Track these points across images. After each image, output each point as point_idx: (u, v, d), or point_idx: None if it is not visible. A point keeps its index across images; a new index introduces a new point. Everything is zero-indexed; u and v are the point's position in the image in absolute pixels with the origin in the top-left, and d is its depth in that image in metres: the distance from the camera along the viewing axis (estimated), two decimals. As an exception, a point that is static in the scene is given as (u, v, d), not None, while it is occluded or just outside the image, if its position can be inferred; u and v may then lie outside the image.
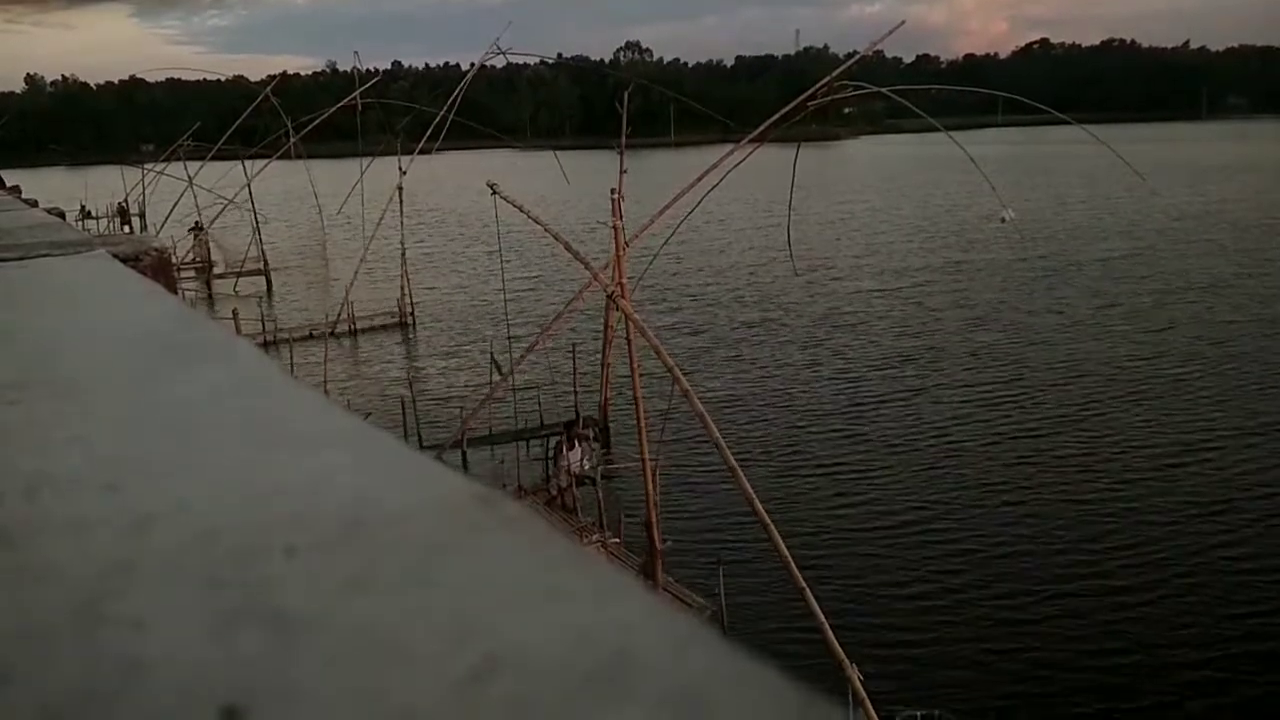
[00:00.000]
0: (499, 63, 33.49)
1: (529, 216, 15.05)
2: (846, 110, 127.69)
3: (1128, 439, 18.42)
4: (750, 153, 17.27)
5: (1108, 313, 28.66)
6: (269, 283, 37.08)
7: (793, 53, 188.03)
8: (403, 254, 30.14)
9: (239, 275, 37.00)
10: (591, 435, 17.58)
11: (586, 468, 16.35)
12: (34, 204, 6.52)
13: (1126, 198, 52.28)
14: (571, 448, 16.17)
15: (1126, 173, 22.62)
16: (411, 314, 30.06)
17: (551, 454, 16.79)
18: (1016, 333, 26.64)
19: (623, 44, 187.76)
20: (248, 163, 36.62)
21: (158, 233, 34.33)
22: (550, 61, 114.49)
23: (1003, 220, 27.34)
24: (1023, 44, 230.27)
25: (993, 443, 18.40)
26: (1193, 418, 19.46)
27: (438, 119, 29.76)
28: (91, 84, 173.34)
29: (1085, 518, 15.12)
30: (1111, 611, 12.54)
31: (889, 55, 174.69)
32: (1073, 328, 27.01)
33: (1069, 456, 17.62)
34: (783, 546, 9.98)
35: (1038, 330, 26.84)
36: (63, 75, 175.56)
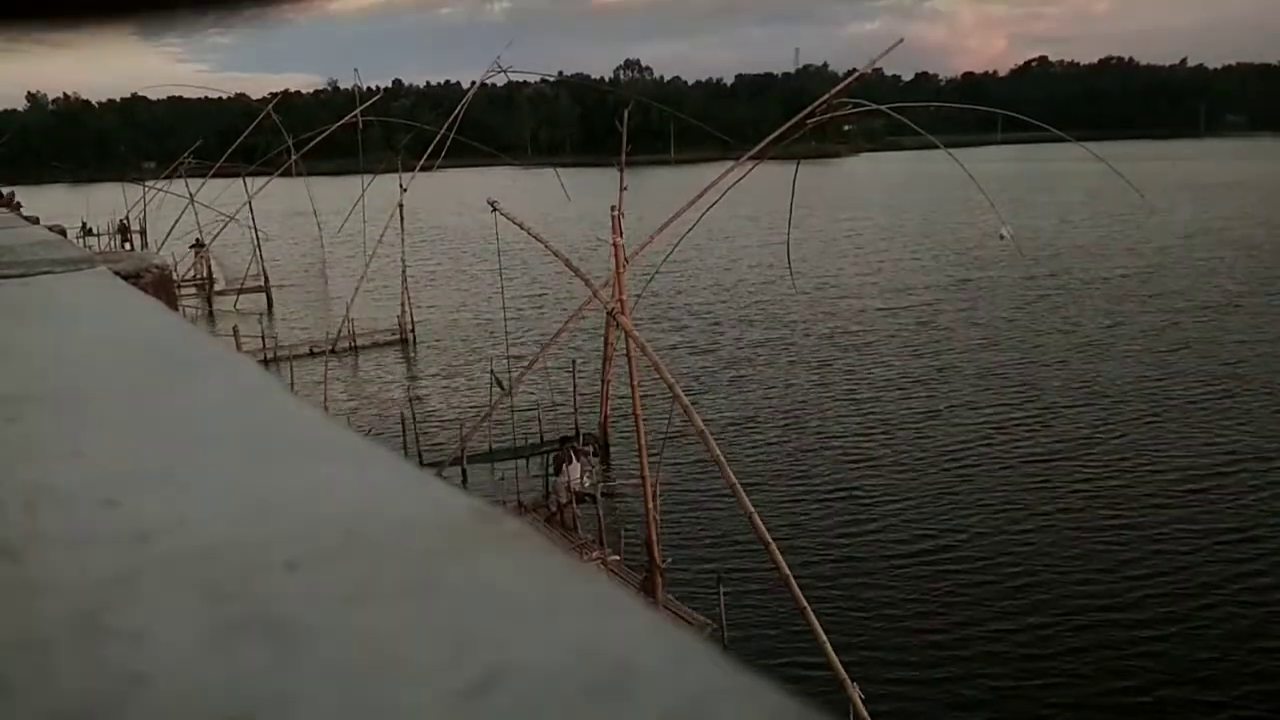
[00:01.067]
0: (500, 80, 33.62)
1: (529, 234, 15.11)
2: (846, 128, 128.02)
3: (1131, 457, 18.36)
4: (750, 170, 17.32)
5: (1117, 332, 28.25)
6: (269, 300, 37.14)
7: (792, 71, 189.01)
8: (403, 271, 30.18)
9: (239, 292, 37.06)
10: (591, 452, 17.56)
11: (586, 484, 16.32)
12: (35, 221, 6.55)
13: (1130, 216, 52.01)
14: (570, 463, 16.15)
15: (1129, 191, 22.62)
16: (412, 331, 30.09)
17: (552, 470, 16.78)
18: (1019, 350, 26.56)
19: (622, 62, 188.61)
20: (248, 180, 36.74)
21: (158, 250, 34.45)
22: (551, 79, 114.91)
23: (1001, 237, 27.37)
24: (1021, 62, 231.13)
25: (997, 461, 18.34)
26: (1206, 441, 19.16)
27: (438, 137, 29.86)
28: (93, 101, 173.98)
29: (1091, 538, 15.05)
30: (1118, 634, 12.45)
31: (888, 73, 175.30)
32: (1083, 348, 26.59)
33: (1072, 474, 17.54)
34: (783, 564, 9.96)
35: (1045, 349, 26.56)
36: (64, 93, 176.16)
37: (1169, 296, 33.21)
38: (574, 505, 15.80)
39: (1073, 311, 31.29)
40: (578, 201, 36.01)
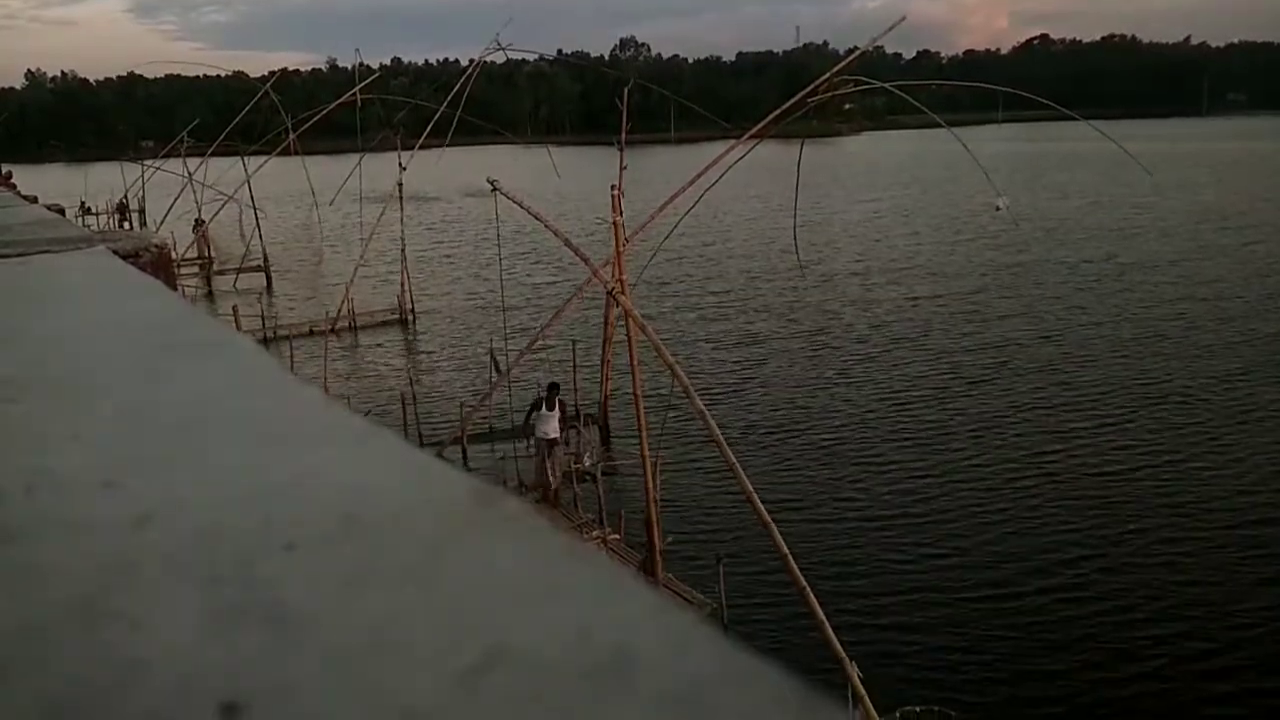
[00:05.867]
0: (499, 58, 33.39)
1: (529, 212, 15.06)
2: (847, 106, 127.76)
3: (1117, 436, 18.39)
4: (750, 149, 17.25)
5: (1169, 324, 26.55)
6: (269, 279, 37.07)
7: (793, 48, 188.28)
8: (403, 250, 30.11)
9: (239, 272, 36.99)
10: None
11: (587, 459, 16.31)
12: (34, 200, 6.52)
13: (1149, 199, 51.10)
14: (550, 409, 15.93)
15: (1143, 170, 22.14)
16: (412, 311, 30.05)
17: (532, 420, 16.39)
18: (1035, 333, 26.35)
19: (620, 40, 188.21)
20: (247, 159, 36.62)
21: (157, 229, 34.39)
22: (550, 58, 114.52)
23: (997, 209, 27.22)
24: (1023, 40, 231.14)
25: (1005, 443, 18.28)
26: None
27: (438, 114, 29.74)
28: (91, 80, 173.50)
29: (1087, 520, 15.08)
30: (1128, 617, 12.47)
31: (889, 51, 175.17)
32: (1125, 342, 24.92)
33: (1075, 456, 17.46)
34: (782, 544, 9.99)
35: (1070, 334, 26.06)
36: (62, 71, 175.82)
37: (1218, 284, 31.49)
38: (575, 484, 15.78)
39: (1118, 301, 29.58)
40: (579, 181, 35.83)
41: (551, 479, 15.71)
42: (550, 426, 15.81)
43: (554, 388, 16.34)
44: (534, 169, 55.71)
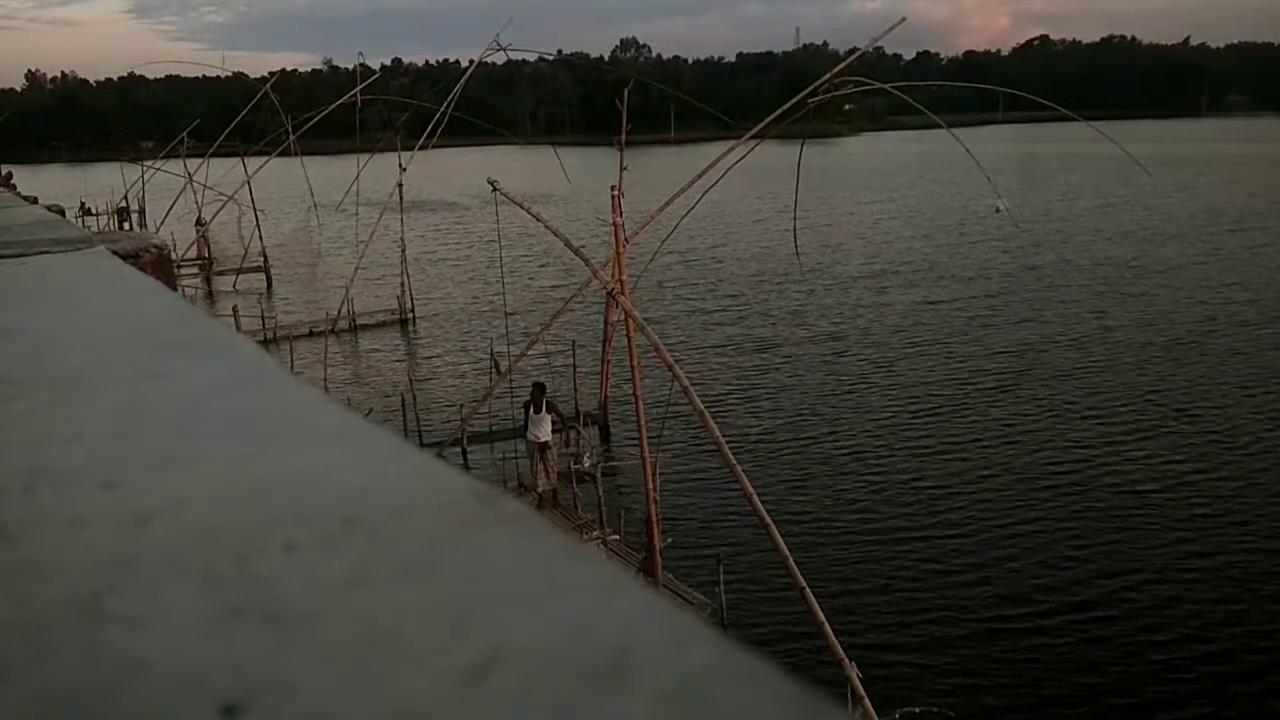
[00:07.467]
0: (499, 59, 33.31)
1: (529, 213, 15.07)
2: (846, 107, 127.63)
3: (1129, 441, 18.39)
4: (750, 149, 17.25)
5: (1196, 330, 26.07)
6: (269, 279, 37.07)
7: (793, 49, 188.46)
8: (403, 251, 30.09)
9: (239, 272, 36.99)
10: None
11: (587, 460, 16.27)
12: (34, 201, 6.52)
13: (1157, 200, 50.77)
14: (538, 411, 15.79)
15: (1154, 172, 21.88)
16: (412, 311, 30.04)
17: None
18: (1025, 331, 26.47)
19: (621, 41, 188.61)
20: (247, 160, 36.60)
21: (157, 230, 34.40)
22: (550, 58, 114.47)
23: (997, 210, 27.17)
24: (1023, 40, 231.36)
25: (996, 444, 18.32)
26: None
27: (438, 115, 29.71)
28: (91, 80, 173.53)
29: (1087, 522, 15.07)
30: (1114, 614, 12.50)
31: (889, 52, 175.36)
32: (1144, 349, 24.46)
33: (1084, 461, 17.39)
34: (782, 544, 9.99)
35: (1051, 332, 26.31)
36: (62, 71, 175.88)
37: (1228, 289, 30.90)
38: (575, 486, 15.76)
39: (1131, 306, 29.05)
40: (577, 181, 35.75)
41: (544, 482, 15.64)
42: (540, 430, 15.74)
43: (539, 389, 16.20)
44: (536, 169, 55.66)
